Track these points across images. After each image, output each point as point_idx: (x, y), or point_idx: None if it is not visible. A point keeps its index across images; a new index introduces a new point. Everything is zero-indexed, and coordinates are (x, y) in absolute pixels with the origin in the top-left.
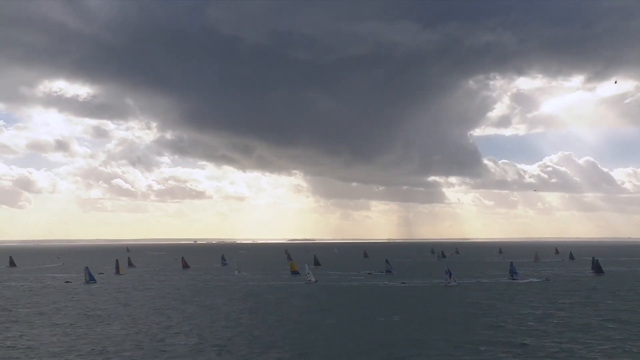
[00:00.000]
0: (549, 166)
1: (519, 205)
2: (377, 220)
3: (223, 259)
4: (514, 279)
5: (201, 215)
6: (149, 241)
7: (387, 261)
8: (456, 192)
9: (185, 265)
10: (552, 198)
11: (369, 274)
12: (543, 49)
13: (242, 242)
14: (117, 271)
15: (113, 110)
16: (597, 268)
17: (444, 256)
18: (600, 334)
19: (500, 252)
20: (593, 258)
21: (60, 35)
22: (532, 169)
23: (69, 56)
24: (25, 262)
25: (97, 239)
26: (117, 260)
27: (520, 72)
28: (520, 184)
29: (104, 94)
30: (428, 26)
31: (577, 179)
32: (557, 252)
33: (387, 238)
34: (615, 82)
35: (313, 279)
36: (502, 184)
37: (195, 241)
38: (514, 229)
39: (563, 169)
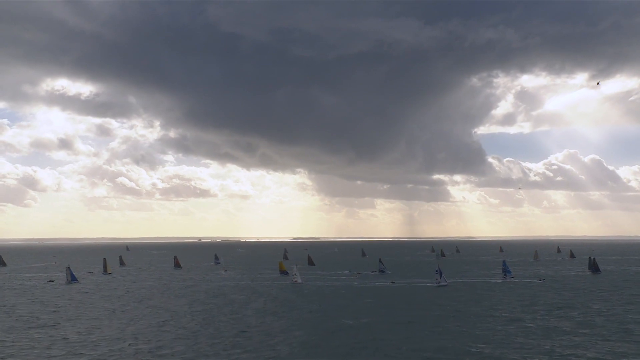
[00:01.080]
0: (554, 164)
1: (524, 204)
2: (382, 219)
3: (216, 257)
4: (506, 279)
5: (206, 214)
6: (154, 239)
7: (380, 260)
8: (461, 190)
9: (177, 264)
10: (558, 196)
11: (357, 273)
12: (546, 46)
13: (246, 240)
14: (105, 270)
15: (116, 109)
16: (593, 267)
17: (443, 255)
18: (568, 339)
19: (501, 250)
20: (590, 257)
21: (61, 33)
22: (537, 167)
23: (70, 54)
24: (17, 262)
25: (103, 237)
26: (104, 259)
27: (524, 69)
28: (525, 182)
29: (106, 92)
30: (429, 23)
31: (583, 177)
32: (559, 250)
33: (392, 236)
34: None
35: (299, 280)
36: (507, 182)
37: (200, 239)
38: (520, 227)
39: (568, 167)
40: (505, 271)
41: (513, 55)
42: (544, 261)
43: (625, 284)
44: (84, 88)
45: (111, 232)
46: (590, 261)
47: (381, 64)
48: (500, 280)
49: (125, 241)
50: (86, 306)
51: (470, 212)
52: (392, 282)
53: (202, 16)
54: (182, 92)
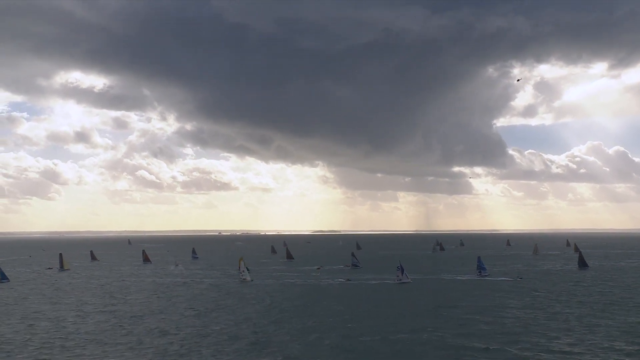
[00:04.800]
0: (577, 156)
1: (549, 196)
2: (406, 212)
3: (194, 252)
4: (481, 276)
5: (230, 207)
6: (176, 232)
7: (353, 255)
8: (483, 183)
9: (147, 259)
10: (583, 189)
11: (317, 269)
12: (560, 34)
13: (267, 233)
14: (62, 267)
15: (130, 101)
16: (581, 262)
17: (442, 249)
18: (503, 352)
19: (508, 244)
20: (579, 252)
21: (70, 25)
22: (559, 159)
23: (81, 46)
24: None
25: (127, 230)
26: (60, 255)
27: (539, 59)
28: (548, 175)
29: (120, 85)
30: (437, 12)
31: (607, 169)
32: (568, 244)
33: (414, 230)
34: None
35: (248, 278)
36: (529, 174)
37: (220, 232)
38: (546, 220)
39: (592, 159)
40: (480, 268)
41: (526, 44)
42: (542, 256)
43: (607, 282)
44: (97, 81)
45: (135, 225)
46: (579, 256)
47: (391, 54)
48: (473, 278)
49: (147, 234)
50: None
51: (494, 205)
52: (348, 280)
53: (207, 7)
54: (194, 84)
